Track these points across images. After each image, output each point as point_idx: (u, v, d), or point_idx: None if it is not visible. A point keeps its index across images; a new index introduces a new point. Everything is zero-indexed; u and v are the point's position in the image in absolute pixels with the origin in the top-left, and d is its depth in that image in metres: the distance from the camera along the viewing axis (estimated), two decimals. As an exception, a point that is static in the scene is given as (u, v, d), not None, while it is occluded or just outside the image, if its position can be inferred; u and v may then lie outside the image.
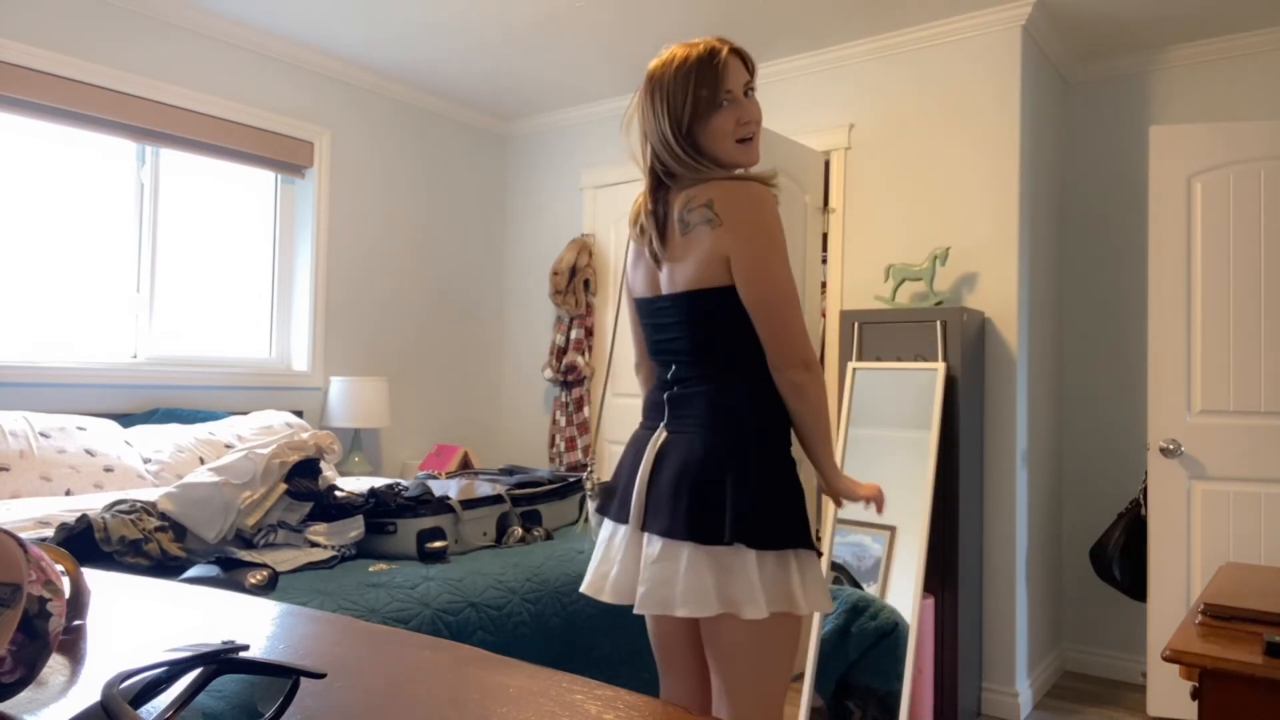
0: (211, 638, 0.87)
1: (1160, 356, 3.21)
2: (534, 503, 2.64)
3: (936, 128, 3.46)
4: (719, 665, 1.53)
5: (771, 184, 1.54)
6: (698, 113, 1.52)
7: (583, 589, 1.62)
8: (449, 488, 2.57)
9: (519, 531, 2.48)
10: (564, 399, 4.42)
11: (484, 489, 2.56)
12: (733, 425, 1.52)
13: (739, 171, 1.59)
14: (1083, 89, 3.78)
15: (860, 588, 2.96)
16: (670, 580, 1.46)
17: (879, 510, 1.65)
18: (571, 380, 4.37)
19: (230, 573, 1.83)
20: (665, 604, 1.46)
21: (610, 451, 4.39)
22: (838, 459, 3.09)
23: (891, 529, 3.00)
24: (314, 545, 2.16)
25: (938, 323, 3.11)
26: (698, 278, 1.53)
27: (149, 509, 2.04)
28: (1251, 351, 3.11)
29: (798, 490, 1.55)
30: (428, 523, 2.26)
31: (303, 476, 2.24)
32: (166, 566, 1.92)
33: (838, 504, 1.68)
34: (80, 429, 2.89)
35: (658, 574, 1.48)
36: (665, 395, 1.61)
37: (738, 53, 1.56)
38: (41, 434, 2.78)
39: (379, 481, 3.17)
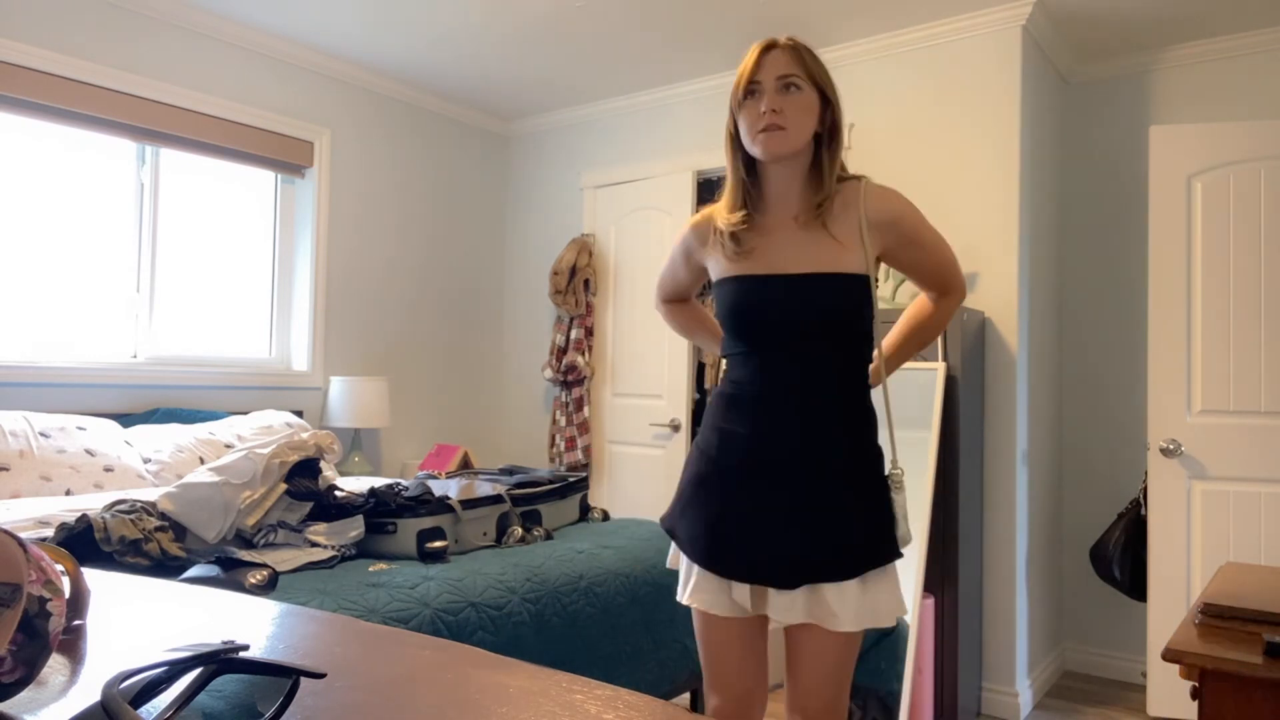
0: (211, 638, 0.87)
1: (1160, 356, 3.21)
2: (534, 503, 2.64)
3: (937, 128, 3.46)
4: None
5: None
6: (736, 106, 1.58)
7: None
8: (449, 488, 2.57)
9: (519, 531, 2.48)
10: (564, 399, 4.42)
11: (484, 489, 2.56)
12: None
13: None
14: (1083, 89, 3.78)
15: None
16: None
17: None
18: (571, 380, 4.37)
19: (230, 573, 1.83)
20: None
21: (610, 452, 4.39)
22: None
23: (891, 529, 2.99)
24: (314, 545, 2.16)
25: (938, 323, 3.11)
26: None
27: (149, 509, 2.04)
28: (1251, 351, 3.11)
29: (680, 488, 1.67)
30: (428, 523, 2.26)
31: (303, 476, 2.24)
32: (166, 566, 1.92)
33: None
34: (80, 429, 2.89)
35: None
36: None
37: (780, 47, 1.55)
38: (41, 434, 2.78)
39: (379, 481, 3.17)
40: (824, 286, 1.52)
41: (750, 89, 1.54)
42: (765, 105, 1.51)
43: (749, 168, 1.60)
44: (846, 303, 1.53)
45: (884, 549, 1.52)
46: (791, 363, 1.54)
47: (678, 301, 1.88)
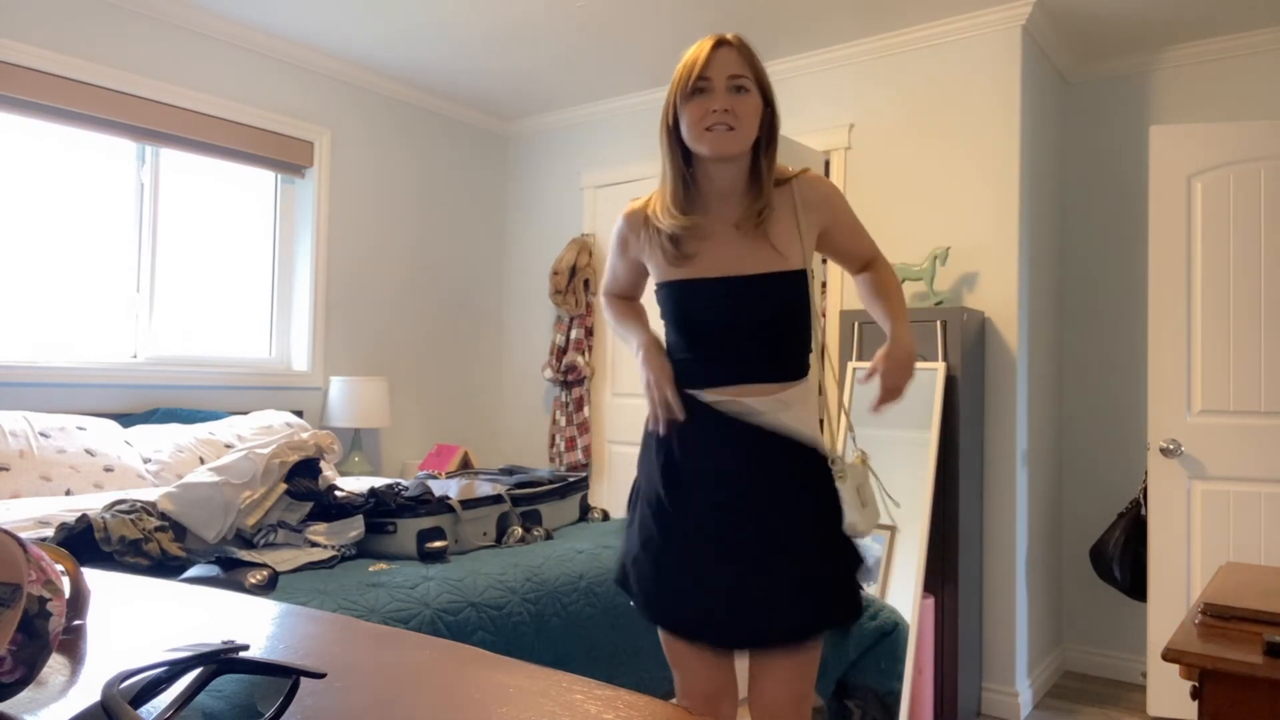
0: (211, 638, 0.87)
1: (1160, 356, 3.21)
2: (534, 503, 2.64)
3: (936, 127, 3.46)
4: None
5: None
6: (681, 99, 1.54)
7: None
8: (449, 488, 2.57)
9: (519, 531, 2.48)
10: (564, 399, 4.42)
11: (484, 489, 2.56)
12: None
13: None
14: (1082, 89, 3.78)
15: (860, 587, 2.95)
16: None
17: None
18: (571, 380, 4.37)
19: (230, 573, 1.83)
20: None
21: (610, 452, 4.39)
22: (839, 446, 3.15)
23: (891, 529, 3.00)
24: (314, 545, 2.16)
25: (938, 323, 3.11)
26: None
27: (149, 509, 2.04)
28: (1251, 351, 3.11)
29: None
30: (428, 522, 2.26)
31: (303, 476, 2.24)
32: (166, 566, 1.92)
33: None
34: (80, 429, 2.89)
35: None
36: None
37: (731, 45, 1.55)
38: (41, 434, 2.78)
39: (379, 481, 3.17)
40: (774, 284, 1.54)
41: (699, 85, 1.51)
42: (718, 104, 1.49)
43: (687, 163, 1.58)
44: (796, 297, 1.56)
45: (850, 603, 1.61)
46: (742, 360, 1.58)
47: (627, 299, 1.81)
